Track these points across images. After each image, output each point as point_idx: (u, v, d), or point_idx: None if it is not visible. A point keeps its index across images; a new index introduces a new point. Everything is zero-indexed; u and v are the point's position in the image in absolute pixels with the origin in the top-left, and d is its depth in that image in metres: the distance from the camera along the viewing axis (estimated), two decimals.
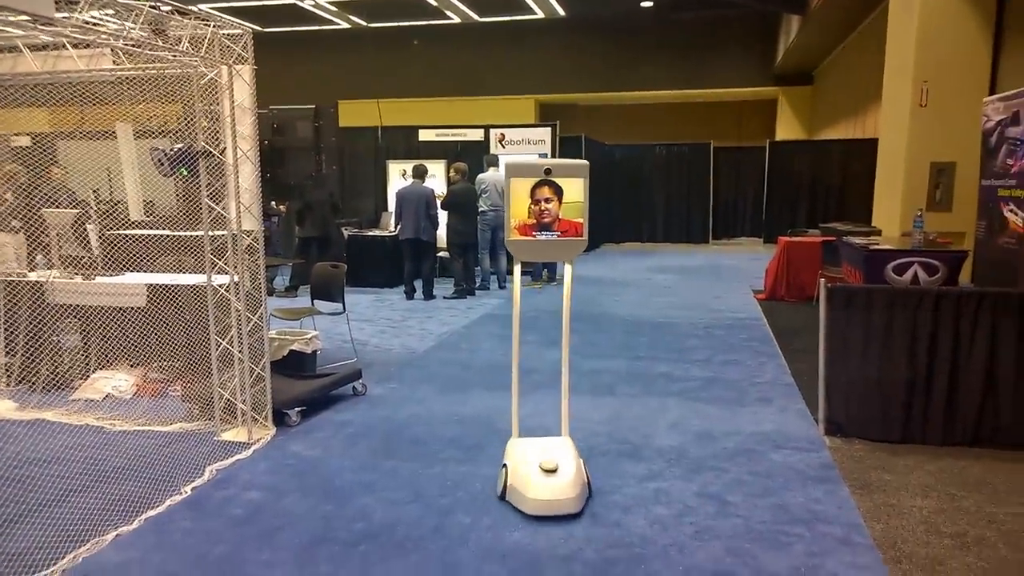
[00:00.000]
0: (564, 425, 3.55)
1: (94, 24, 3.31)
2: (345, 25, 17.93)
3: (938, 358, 3.94)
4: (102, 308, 4.84)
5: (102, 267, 5.09)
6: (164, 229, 5.51)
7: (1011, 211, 6.31)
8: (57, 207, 5.38)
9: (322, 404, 4.68)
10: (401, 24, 17.90)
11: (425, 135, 11.55)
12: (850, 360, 4.07)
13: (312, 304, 5.92)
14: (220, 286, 4.12)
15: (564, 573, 2.74)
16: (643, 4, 15.98)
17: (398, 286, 9.28)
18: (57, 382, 5.00)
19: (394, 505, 3.30)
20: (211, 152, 3.96)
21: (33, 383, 4.91)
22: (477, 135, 11.15)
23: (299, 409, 4.40)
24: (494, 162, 9.42)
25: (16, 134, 5.94)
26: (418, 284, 8.87)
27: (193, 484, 3.50)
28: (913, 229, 6.23)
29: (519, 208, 3.29)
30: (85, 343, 5.18)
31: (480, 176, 9.27)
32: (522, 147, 10.86)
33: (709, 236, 16.06)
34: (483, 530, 3.07)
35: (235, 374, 4.17)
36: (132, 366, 5.03)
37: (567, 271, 3.47)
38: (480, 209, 9.12)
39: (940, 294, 3.96)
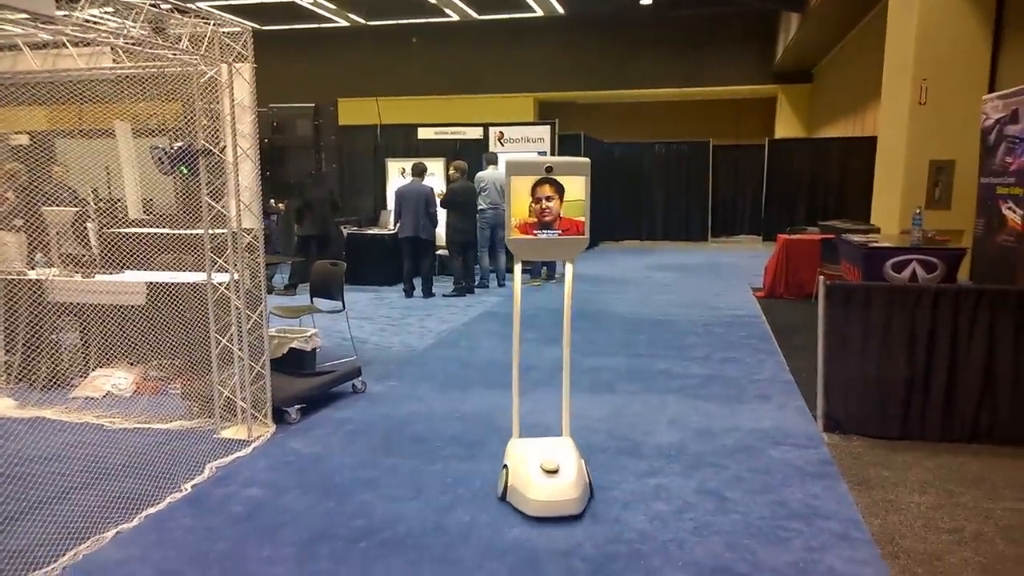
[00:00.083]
0: (565, 425, 3.53)
1: (94, 22, 3.31)
2: (344, 23, 17.92)
3: (936, 355, 3.95)
4: (101, 306, 4.84)
5: (101, 265, 5.09)
6: (163, 227, 5.52)
7: (1010, 209, 6.33)
8: (58, 205, 5.38)
9: (322, 402, 4.69)
10: (400, 22, 17.90)
11: (424, 133, 11.55)
12: (849, 357, 4.08)
13: (311, 302, 5.93)
14: (220, 284, 4.13)
15: (564, 569, 2.75)
16: (642, 2, 15.98)
17: (397, 284, 9.29)
18: (57, 380, 5.00)
19: (394, 502, 3.31)
20: (211, 150, 3.96)
21: (33, 381, 4.92)
22: (476, 133, 11.15)
23: (299, 407, 4.41)
24: (493, 160, 9.42)
25: (16, 132, 5.94)
26: (417, 282, 8.88)
27: (193, 481, 3.51)
28: (912, 227, 6.24)
29: (520, 206, 3.26)
30: (84, 341, 5.18)
31: (479, 174, 9.27)
32: (521, 145, 10.86)
33: (708, 234, 16.07)
34: (483, 527, 3.07)
35: (235, 372, 4.17)
36: (132, 364, 5.04)
37: (568, 270, 3.45)
38: (479, 207, 9.12)
39: (939, 291, 3.97)
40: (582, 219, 3.29)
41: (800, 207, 14.58)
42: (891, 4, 9.38)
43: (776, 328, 6.87)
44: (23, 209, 5.11)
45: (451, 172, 9.13)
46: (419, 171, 8.77)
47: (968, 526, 3.06)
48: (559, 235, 3.29)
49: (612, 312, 7.81)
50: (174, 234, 5.24)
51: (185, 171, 3.95)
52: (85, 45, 3.84)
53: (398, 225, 8.72)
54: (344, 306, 5.75)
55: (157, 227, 5.60)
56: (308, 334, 5.21)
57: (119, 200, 6.38)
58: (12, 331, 4.99)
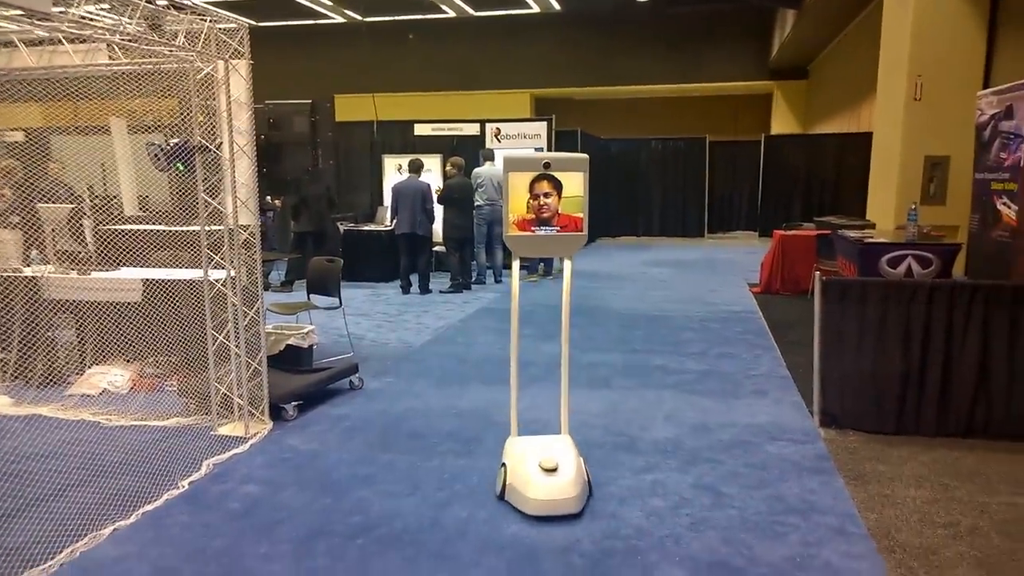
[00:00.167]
0: (564, 423, 3.51)
1: (90, 19, 3.30)
2: (340, 19, 17.87)
3: (931, 350, 3.97)
4: (97, 303, 4.83)
5: (97, 262, 5.08)
6: (158, 224, 5.50)
7: (1004, 204, 6.35)
8: (55, 202, 5.37)
9: (319, 398, 4.69)
10: (396, 18, 17.85)
11: (421, 129, 11.54)
12: (844, 352, 4.10)
13: (308, 299, 5.92)
14: (217, 280, 4.12)
15: (561, 565, 2.76)
16: None
17: (394, 280, 9.28)
18: (53, 377, 4.99)
19: (392, 498, 3.32)
20: (207, 147, 3.95)
21: (29, 378, 4.91)
22: (473, 129, 11.14)
23: (296, 403, 4.41)
24: (490, 156, 9.42)
25: (11, 129, 5.91)
26: (414, 278, 8.88)
27: (190, 478, 3.51)
28: (907, 222, 6.26)
29: (518, 203, 3.23)
30: (80, 338, 5.17)
31: (476, 170, 9.27)
32: (518, 141, 10.86)
33: (704, 230, 16.08)
34: (481, 523, 3.08)
35: (232, 368, 4.17)
36: (128, 361, 5.03)
37: (566, 266, 3.42)
38: (476, 203, 9.12)
39: (934, 287, 3.98)
40: (580, 215, 3.26)
41: (796, 203, 14.61)
42: (886, 1, 9.39)
43: (772, 324, 6.89)
44: (20, 206, 5.10)
45: (448, 168, 9.13)
46: (416, 167, 8.77)
47: (963, 520, 3.07)
48: (557, 231, 3.27)
49: (609, 308, 7.82)
50: (170, 231, 5.23)
51: (181, 168, 3.95)
52: (81, 42, 3.83)
53: (395, 221, 8.71)
54: (341, 302, 5.74)
55: (153, 224, 5.59)
56: (305, 331, 5.21)
57: (115, 197, 6.37)
58: (8, 328, 4.97)
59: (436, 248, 9.69)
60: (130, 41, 3.59)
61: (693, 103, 20.50)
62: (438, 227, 9.16)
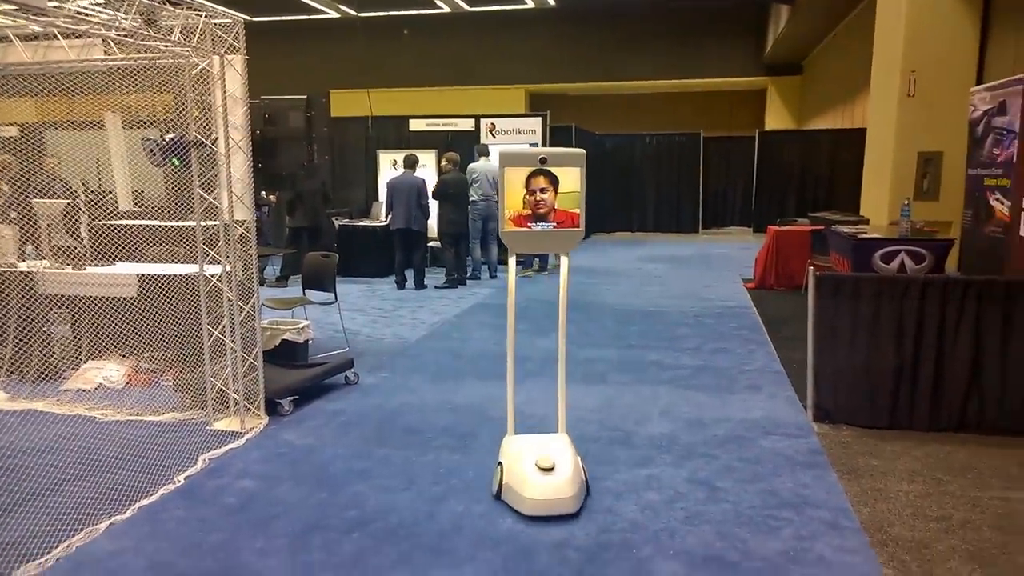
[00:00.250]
0: (561, 421, 3.49)
1: (85, 14, 3.29)
2: (335, 15, 17.80)
3: (924, 345, 4.00)
4: (93, 298, 4.82)
5: (92, 257, 5.07)
6: (153, 219, 5.49)
7: (997, 200, 6.38)
8: (52, 197, 5.35)
9: (314, 393, 4.69)
10: (391, 14, 17.79)
11: (416, 125, 11.53)
12: (838, 348, 4.12)
13: (303, 294, 5.92)
14: (212, 276, 4.12)
15: (557, 559, 2.78)
16: None
17: (389, 276, 9.28)
18: (48, 372, 4.98)
19: (387, 493, 3.33)
20: (203, 142, 3.95)
21: (24, 374, 4.90)
22: (468, 125, 11.13)
23: (291, 398, 4.42)
24: (485, 152, 9.42)
25: (5, 124, 5.89)
26: (409, 274, 8.88)
27: (186, 473, 3.52)
28: (900, 218, 6.30)
29: (514, 198, 3.18)
30: (76, 333, 5.16)
31: (471, 166, 9.26)
32: (512, 137, 10.85)
33: (699, 226, 16.12)
34: (476, 517, 3.10)
35: (227, 363, 4.17)
36: (123, 356, 5.02)
37: (563, 263, 3.39)
38: (471, 199, 9.12)
39: (926, 282, 4.01)
40: (577, 211, 3.22)
41: (790, 199, 14.66)
42: None
43: (766, 319, 6.92)
44: (15, 201, 5.08)
45: (443, 164, 9.13)
46: (411, 163, 8.76)
47: (956, 514, 3.10)
48: (554, 227, 3.24)
49: (604, 304, 7.84)
50: (165, 226, 5.22)
51: (177, 163, 3.94)
52: (76, 37, 3.82)
53: (390, 217, 8.71)
54: (336, 298, 5.74)
55: (148, 219, 5.57)
56: (300, 326, 5.21)
57: (109, 192, 6.35)
58: (3, 324, 4.96)
59: (431, 244, 9.69)
60: (126, 36, 3.58)
61: (688, 99, 20.52)
62: (433, 223, 9.16)
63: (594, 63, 18.09)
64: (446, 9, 17.32)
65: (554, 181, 3.20)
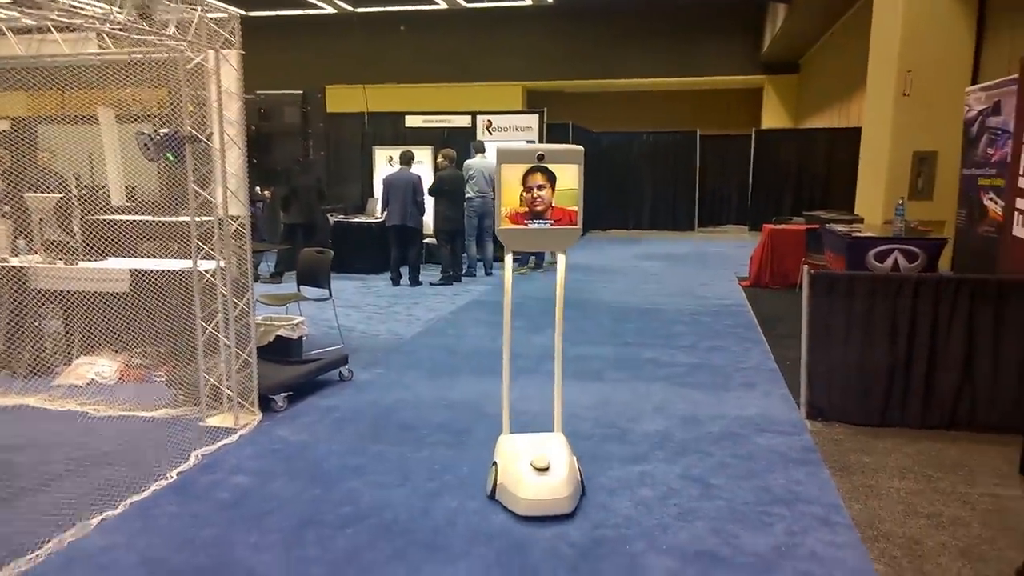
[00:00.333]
0: (557, 420, 3.46)
1: (79, 8, 3.27)
2: (331, 10, 17.75)
3: (917, 344, 4.01)
4: (85, 293, 4.81)
5: (84, 252, 5.05)
6: (146, 214, 5.47)
7: (991, 200, 6.41)
8: (45, 192, 5.33)
9: (308, 389, 4.69)
10: (388, 9, 17.75)
11: (412, 121, 11.52)
12: (832, 346, 4.13)
13: (298, 290, 5.91)
14: (206, 271, 4.11)
15: (550, 554, 2.78)
16: None
17: (384, 272, 9.27)
18: (39, 368, 4.96)
19: (382, 489, 3.33)
20: (197, 137, 3.93)
21: (15, 369, 4.88)
22: (464, 121, 11.13)
23: (285, 394, 4.41)
24: (481, 148, 9.41)
25: (0, 118, 5.86)
26: (404, 270, 8.87)
27: (179, 469, 3.51)
28: (895, 217, 6.31)
29: (510, 196, 3.12)
30: (68, 329, 5.14)
31: (467, 162, 9.26)
32: (509, 134, 10.86)
33: (695, 224, 16.14)
34: (470, 513, 3.10)
35: (221, 359, 4.16)
36: (116, 352, 5.01)
37: (560, 261, 3.34)
38: (467, 195, 9.11)
39: (919, 281, 4.02)
40: (575, 209, 3.16)
41: (786, 197, 14.68)
42: None
43: (761, 317, 6.94)
44: (8, 195, 5.06)
45: (439, 160, 9.12)
46: (407, 159, 8.75)
47: (946, 510, 3.12)
48: (551, 225, 3.17)
49: (600, 301, 7.84)
50: (159, 221, 5.21)
51: (171, 158, 3.92)
52: (70, 30, 3.80)
53: (386, 213, 8.70)
54: (331, 294, 5.74)
55: (140, 214, 5.56)
56: (295, 322, 5.20)
57: (102, 187, 6.32)
58: None
59: (427, 240, 9.68)
60: (120, 30, 3.56)
61: (684, 97, 20.52)
62: (429, 219, 9.15)
63: (591, 60, 18.09)
64: (443, 5, 17.29)
65: (552, 178, 3.14)
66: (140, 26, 3.52)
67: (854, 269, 5.90)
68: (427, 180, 9.07)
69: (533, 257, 10.04)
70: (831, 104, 15.09)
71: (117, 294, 4.77)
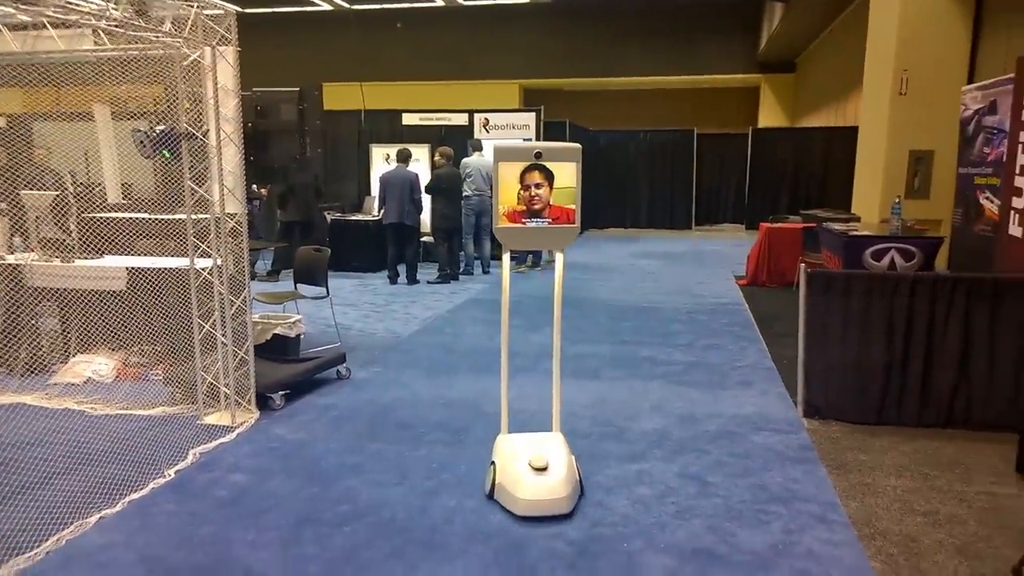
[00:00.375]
0: (555, 420, 3.45)
1: (75, 4, 3.26)
2: (328, 7, 17.72)
3: (914, 342, 4.03)
4: (81, 291, 4.79)
5: (80, 250, 5.03)
6: (142, 212, 5.46)
7: (987, 199, 6.43)
8: (42, 189, 5.30)
9: (306, 388, 4.68)
10: (385, 7, 17.73)
11: (409, 119, 11.49)
12: (828, 344, 4.14)
13: (295, 288, 5.90)
14: (203, 269, 4.10)
15: (548, 552, 2.79)
16: None
17: (381, 271, 9.26)
18: (36, 366, 4.95)
19: (379, 487, 3.33)
20: (194, 134, 3.92)
21: (12, 367, 4.86)
22: (461, 119, 11.11)
23: (283, 393, 4.40)
24: (478, 146, 9.40)
25: None
26: (401, 269, 8.86)
27: (176, 467, 3.50)
28: (891, 216, 6.32)
29: (508, 194, 3.10)
30: (64, 327, 5.13)
31: (464, 160, 9.25)
32: (506, 132, 10.84)
33: (692, 222, 16.16)
34: (468, 512, 3.10)
35: (218, 358, 4.16)
36: (113, 350, 5.00)
37: (558, 260, 3.32)
38: (464, 194, 9.11)
39: (916, 279, 4.04)
40: (573, 207, 3.15)
41: (783, 196, 14.71)
42: None
43: (758, 316, 6.95)
44: (5, 193, 5.04)
45: (436, 158, 9.11)
46: (404, 157, 8.74)
47: (943, 508, 3.13)
48: (549, 224, 3.15)
49: (597, 300, 7.85)
50: (156, 219, 5.19)
51: (167, 155, 3.91)
52: (66, 26, 3.78)
53: (383, 211, 8.69)
54: (328, 292, 5.73)
55: (136, 212, 5.54)
56: (292, 320, 5.20)
57: (98, 184, 6.30)
58: None
59: (424, 238, 9.67)
60: (116, 27, 3.55)
61: (682, 95, 20.54)
62: (426, 217, 9.14)
63: (588, 59, 18.09)
64: (440, 2, 17.28)
65: (549, 176, 3.12)
66: (136, 22, 3.51)
67: (851, 268, 5.92)
68: (424, 178, 9.07)
69: (530, 255, 10.04)
70: (828, 103, 15.12)
71: (114, 292, 4.76)
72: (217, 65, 3.90)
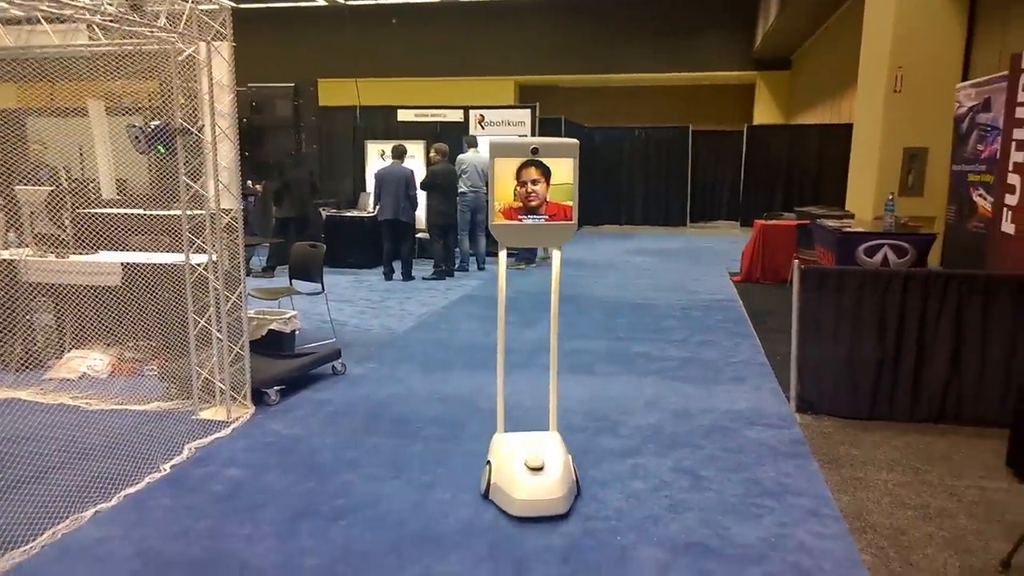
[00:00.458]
0: (552, 419, 3.44)
1: None
2: (323, 2, 17.67)
3: (906, 338, 4.06)
4: (76, 287, 4.78)
5: (75, 245, 5.02)
6: (137, 207, 5.45)
7: (980, 196, 6.46)
8: (38, 184, 5.29)
9: (301, 383, 4.69)
10: (380, 2, 17.69)
11: (404, 115, 11.47)
12: (821, 340, 4.17)
13: (290, 284, 5.91)
14: (198, 265, 4.10)
15: (543, 546, 2.80)
16: None
17: (377, 267, 9.27)
18: (31, 361, 4.94)
19: (376, 481, 3.34)
20: (189, 130, 3.92)
21: (6, 362, 4.86)
22: (456, 116, 11.10)
23: (278, 388, 4.41)
24: (473, 143, 9.41)
25: None
26: (397, 265, 8.87)
27: (172, 462, 3.51)
28: (885, 213, 6.36)
29: (504, 190, 3.06)
30: (59, 322, 5.12)
31: (460, 157, 9.25)
32: (501, 128, 10.83)
33: (687, 219, 16.19)
34: (464, 505, 3.12)
35: (213, 353, 4.16)
36: (107, 345, 4.99)
37: (555, 257, 3.29)
38: (460, 190, 9.11)
39: (908, 276, 4.06)
40: (570, 204, 3.11)
41: (778, 193, 14.74)
42: None
43: (752, 312, 6.98)
44: (0, 188, 5.02)
45: (432, 155, 9.11)
46: (399, 153, 8.74)
47: (933, 502, 3.16)
48: (546, 220, 3.11)
49: (592, 296, 7.87)
50: (151, 215, 5.19)
51: (162, 150, 3.91)
52: (60, 21, 3.77)
53: (378, 207, 8.69)
54: (323, 288, 5.73)
55: (131, 207, 5.53)
56: (287, 316, 5.20)
57: (92, 180, 6.29)
58: None
59: (419, 235, 9.67)
60: (110, 21, 3.54)
61: (677, 92, 20.56)
62: (421, 214, 9.14)
63: (584, 55, 18.09)
64: None
65: (546, 172, 3.08)
66: (131, 17, 3.50)
67: (844, 264, 5.95)
68: (419, 174, 9.06)
69: (525, 252, 10.04)
70: (823, 100, 15.15)
71: (109, 287, 4.75)
72: (212, 60, 3.90)
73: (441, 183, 8.86)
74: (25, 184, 5.14)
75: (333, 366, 4.98)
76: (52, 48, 3.98)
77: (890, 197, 6.40)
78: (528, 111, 10.88)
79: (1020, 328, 3.89)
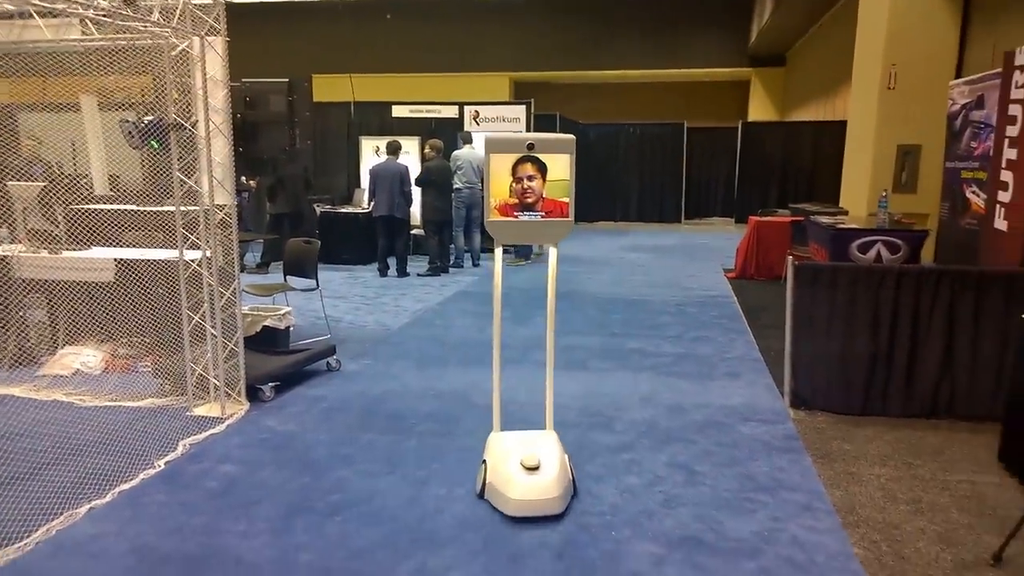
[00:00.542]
0: (548, 418, 3.43)
1: None
2: None
3: (898, 334, 4.08)
4: (69, 283, 4.77)
5: (67, 241, 5.00)
6: (130, 203, 5.43)
7: (973, 193, 6.49)
8: (31, 180, 5.27)
9: (296, 380, 4.69)
10: None
11: (399, 111, 11.46)
12: (815, 336, 4.19)
13: (285, 280, 5.89)
14: (192, 261, 4.09)
15: (538, 541, 2.81)
16: None
17: (371, 263, 9.25)
18: (24, 358, 4.92)
19: (371, 477, 3.35)
20: (183, 125, 3.91)
21: None
22: (451, 112, 11.09)
23: (273, 384, 4.41)
24: (468, 139, 9.39)
25: None
26: (392, 261, 8.85)
27: (166, 458, 3.51)
28: (878, 209, 6.38)
29: (500, 187, 3.01)
30: (52, 318, 5.10)
31: (455, 153, 9.24)
32: (496, 124, 10.83)
33: (682, 216, 16.20)
34: (458, 501, 3.12)
35: (208, 349, 4.15)
36: (101, 342, 4.98)
37: (551, 254, 3.25)
38: (455, 186, 9.10)
39: (901, 272, 4.08)
40: (566, 200, 3.06)
41: (772, 189, 14.77)
42: None
43: (746, 308, 7.00)
44: None
45: (426, 151, 9.09)
46: (394, 149, 8.72)
47: (925, 497, 3.18)
48: (542, 217, 3.07)
49: (587, 292, 7.88)
50: (144, 210, 5.17)
51: (156, 146, 3.90)
52: (53, 16, 3.75)
53: (372, 204, 8.67)
54: (318, 285, 5.72)
55: (124, 203, 5.51)
56: (281, 312, 5.19)
57: (85, 176, 6.26)
58: None
59: (414, 231, 9.66)
60: (104, 16, 3.52)
61: (672, 89, 20.57)
62: (416, 210, 9.13)
63: (579, 52, 18.07)
64: None
65: (542, 168, 3.03)
66: (124, 12, 3.49)
67: (837, 260, 5.97)
68: (414, 170, 9.05)
69: (522, 248, 10.04)
70: (817, 97, 15.18)
71: (102, 284, 4.73)
72: (206, 55, 3.88)
73: (436, 179, 8.85)
74: (17, 180, 5.11)
75: (328, 362, 4.98)
76: (45, 43, 3.96)
77: (884, 194, 6.42)
78: (523, 107, 10.87)
79: (1012, 324, 3.91)
